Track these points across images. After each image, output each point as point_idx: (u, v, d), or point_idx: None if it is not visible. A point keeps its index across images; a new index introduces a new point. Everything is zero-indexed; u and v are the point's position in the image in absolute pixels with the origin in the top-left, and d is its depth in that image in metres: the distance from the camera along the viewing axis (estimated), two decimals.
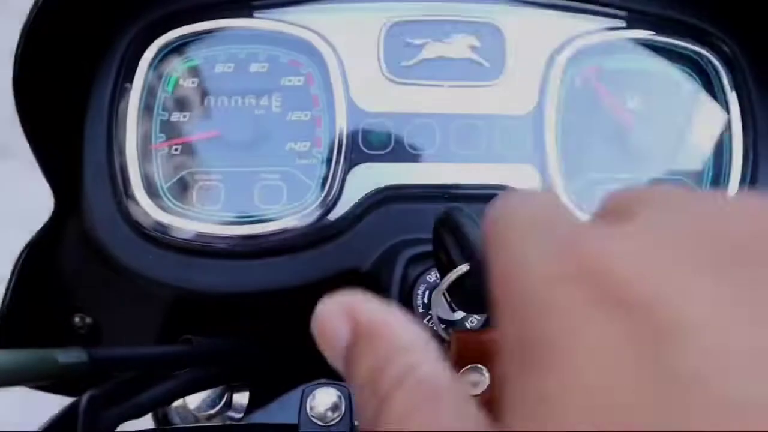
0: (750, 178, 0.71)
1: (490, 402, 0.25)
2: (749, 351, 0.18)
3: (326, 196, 0.65)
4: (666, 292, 0.19)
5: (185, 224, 0.64)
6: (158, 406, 0.64)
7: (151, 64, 0.66)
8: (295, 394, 0.64)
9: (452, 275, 0.47)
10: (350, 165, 0.66)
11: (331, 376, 0.66)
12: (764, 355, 0.18)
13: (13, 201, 1.77)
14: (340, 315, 0.31)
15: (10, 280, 0.66)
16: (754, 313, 0.19)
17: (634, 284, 0.20)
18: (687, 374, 0.18)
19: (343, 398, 0.61)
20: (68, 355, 0.45)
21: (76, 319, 0.73)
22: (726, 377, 0.17)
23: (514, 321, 0.23)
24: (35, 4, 0.59)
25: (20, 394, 0.50)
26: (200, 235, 0.64)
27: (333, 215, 0.65)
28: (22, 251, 0.67)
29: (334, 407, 0.60)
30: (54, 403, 0.51)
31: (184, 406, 0.70)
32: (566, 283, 0.21)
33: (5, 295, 0.66)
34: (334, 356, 0.31)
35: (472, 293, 0.47)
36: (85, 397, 0.47)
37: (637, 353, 0.19)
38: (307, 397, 0.61)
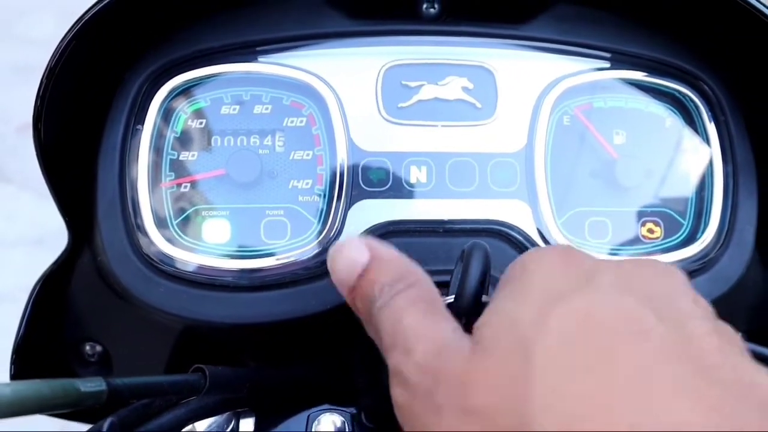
0: (731, 207, 0.74)
1: None
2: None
3: (328, 231, 0.68)
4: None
5: (193, 258, 0.67)
6: None
7: (160, 107, 0.69)
8: (299, 419, 0.66)
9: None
10: (350, 201, 0.69)
11: (333, 401, 0.69)
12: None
13: None
14: (360, 245, 0.45)
15: (25, 310, 0.69)
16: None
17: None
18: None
19: (347, 423, 0.64)
20: (88, 384, 0.47)
21: (87, 348, 0.75)
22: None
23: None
24: (57, 49, 0.63)
25: None
26: (208, 268, 0.67)
27: None
28: (37, 283, 0.69)
29: None
30: None
31: None
32: None
33: (20, 325, 0.68)
34: (346, 277, 0.44)
35: None
36: (106, 424, 0.49)
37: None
38: (313, 422, 0.63)
